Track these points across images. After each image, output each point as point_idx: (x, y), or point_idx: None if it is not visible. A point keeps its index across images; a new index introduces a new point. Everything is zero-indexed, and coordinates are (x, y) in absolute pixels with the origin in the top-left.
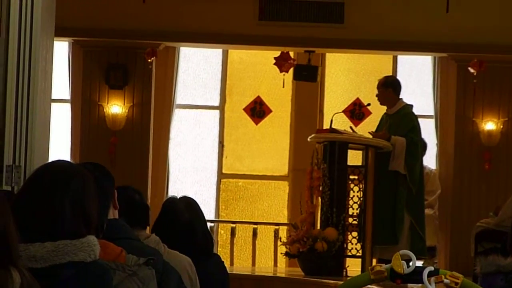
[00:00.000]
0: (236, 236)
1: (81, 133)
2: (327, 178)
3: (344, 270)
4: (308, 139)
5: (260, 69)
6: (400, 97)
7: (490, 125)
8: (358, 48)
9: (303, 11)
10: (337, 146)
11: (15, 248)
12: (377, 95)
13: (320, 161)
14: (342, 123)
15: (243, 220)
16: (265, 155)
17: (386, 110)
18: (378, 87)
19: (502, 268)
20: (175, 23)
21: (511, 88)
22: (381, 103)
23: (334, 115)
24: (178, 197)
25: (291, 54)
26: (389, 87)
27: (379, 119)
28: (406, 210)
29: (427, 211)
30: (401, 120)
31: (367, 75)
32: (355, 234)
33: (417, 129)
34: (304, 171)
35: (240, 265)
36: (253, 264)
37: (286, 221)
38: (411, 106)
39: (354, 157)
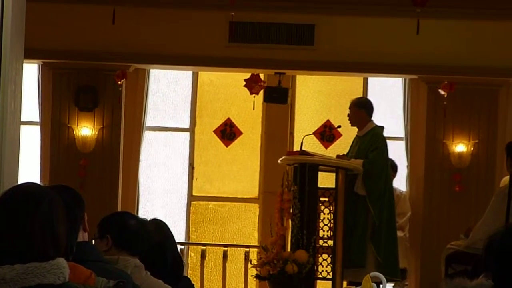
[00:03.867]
0: (206, 258)
1: (50, 155)
2: (298, 200)
3: None
4: (279, 161)
5: (230, 91)
6: (371, 119)
7: (460, 147)
8: (329, 70)
9: (273, 33)
10: (307, 168)
11: None
12: (348, 115)
13: (290, 183)
14: (313, 145)
15: (213, 243)
16: (236, 177)
17: (357, 132)
18: (351, 107)
19: None
20: (145, 45)
21: (481, 110)
22: (352, 124)
23: (304, 137)
24: (148, 219)
25: (261, 76)
26: (362, 108)
27: (349, 141)
28: (367, 234)
29: (398, 233)
30: (369, 142)
31: (338, 97)
32: (325, 256)
33: (380, 150)
34: (274, 193)
35: (210, 287)
36: (224, 286)
37: (256, 244)
38: (382, 128)
39: (325, 179)
